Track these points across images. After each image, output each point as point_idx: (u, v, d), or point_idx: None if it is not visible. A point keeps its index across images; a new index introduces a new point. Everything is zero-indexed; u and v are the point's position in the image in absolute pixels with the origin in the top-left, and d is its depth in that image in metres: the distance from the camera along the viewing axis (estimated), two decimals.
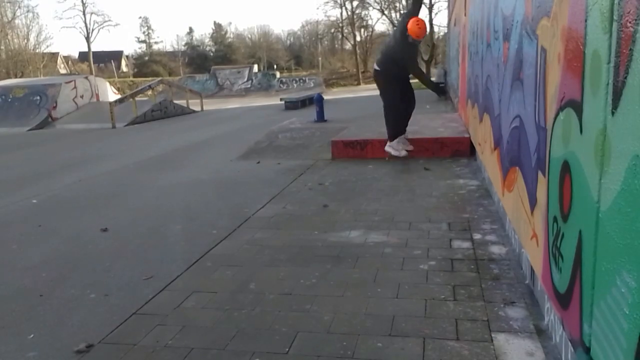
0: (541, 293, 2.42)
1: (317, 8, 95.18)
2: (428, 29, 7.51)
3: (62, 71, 45.85)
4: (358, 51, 41.68)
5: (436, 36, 34.31)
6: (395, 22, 38.54)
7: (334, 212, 4.43)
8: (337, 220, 4.19)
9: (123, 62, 62.31)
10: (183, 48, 61.20)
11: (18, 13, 39.07)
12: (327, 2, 45.33)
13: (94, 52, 46.96)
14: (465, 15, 7.74)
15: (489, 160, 4.53)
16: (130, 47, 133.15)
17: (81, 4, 46.06)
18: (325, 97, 14.77)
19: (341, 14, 42.49)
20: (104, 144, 11.52)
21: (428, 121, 8.59)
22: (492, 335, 2.27)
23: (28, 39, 39.68)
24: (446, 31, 20.32)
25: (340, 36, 46.92)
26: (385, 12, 38.60)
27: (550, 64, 2.17)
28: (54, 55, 46.29)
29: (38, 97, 17.60)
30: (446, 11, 20.07)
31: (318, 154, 7.56)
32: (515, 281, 2.81)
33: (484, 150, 4.97)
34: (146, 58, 58.13)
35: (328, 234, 3.85)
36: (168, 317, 2.65)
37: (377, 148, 6.87)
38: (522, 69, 2.83)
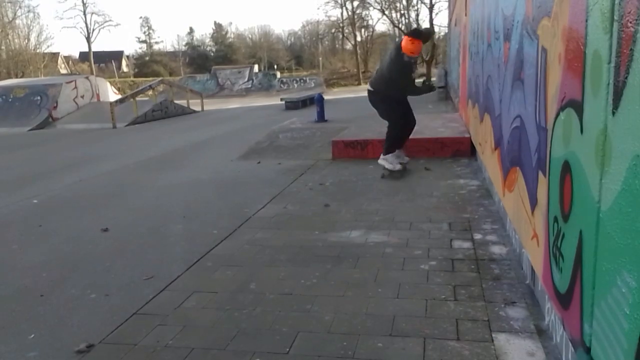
0: (542, 293, 2.42)
1: (318, 8, 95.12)
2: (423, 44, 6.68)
3: (63, 71, 45.89)
4: (359, 51, 41.69)
5: (437, 36, 34.28)
6: (396, 22, 38.59)
7: (334, 212, 4.43)
8: (338, 220, 4.19)
9: (124, 62, 62.35)
10: (184, 48, 61.25)
11: (19, 13, 39.15)
12: (328, 2, 45.34)
13: (94, 52, 46.99)
14: (465, 15, 7.74)
15: (489, 160, 4.53)
16: (131, 47, 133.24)
17: (82, 4, 46.12)
18: (326, 97, 14.78)
19: (342, 14, 42.47)
20: (105, 144, 11.52)
21: (428, 121, 8.59)
22: (493, 335, 2.27)
23: (29, 39, 39.74)
24: (447, 31, 20.32)
25: (340, 36, 46.99)
26: (386, 12, 38.58)
27: (550, 64, 2.17)
28: (55, 55, 46.31)
29: (39, 97, 17.62)
30: (447, 11, 20.07)
31: (318, 154, 7.56)
32: (515, 281, 2.81)
33: (484, 150, 4.97)
34: (147, 58, 58.17)
35: (328, 234, 3.85)
36: (168, 317, 2.65)
37: (377, 148, 6.86)
38: (522, 69, 2.83)
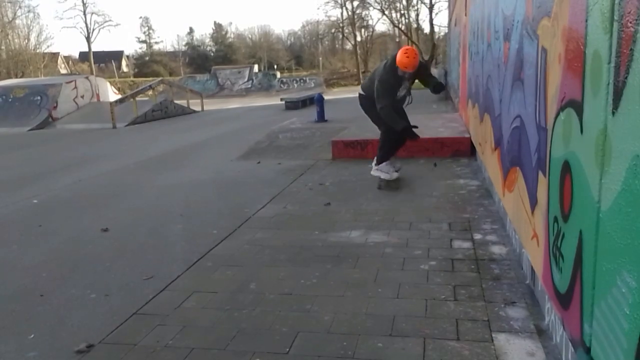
0: (542, 293, 2.42)
1: (318, 8, 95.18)
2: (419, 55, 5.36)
3: (63, 71, 45.88)
4: (359, 51, 41.72)
5: (437, 36, 34.33)
6: (396, 22, 38.61)
7: (334, 212, 4.43)
8: (338, 220, 4.19)
9: (123, 62, 62.36)
10: (183, 48, 61.30)
11: (19, 13, 39.16)
12: (328, 2, 45.39)
13: (94, 52, 47.00)
14: (465, 15, 7.74)
15: (489, 160, 4.53)
16: (131, 47, 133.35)
17: (82, 4, 46.15)
18: (326, 97, 14.78)
19: (342, 14, 42.51)
20: (105, 144, 11.52)
21: (428, 121, 8.59)
22: (493, 335, 2.27)
23: (29, 39, 39.76)
24: (447, 31, 20.32)
25: (340, 36, 46.99)
26: (386, 12, 38.64)
27: (550, 64, 2.17)
28: (55, 55, 46.33)
29: (38, 97, 17.60)
30: (447, 11, 20.07)
31: (318, 154, 7.56)
32: (515, 281, 2.81)
33: (484, 150, 4.97)
34: (147, 58, 58.20)
35: (328, 234, 3.85)
36: (168, 317, 2.65)
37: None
38: (522, 69, 2.83)
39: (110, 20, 66.20)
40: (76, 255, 3.78)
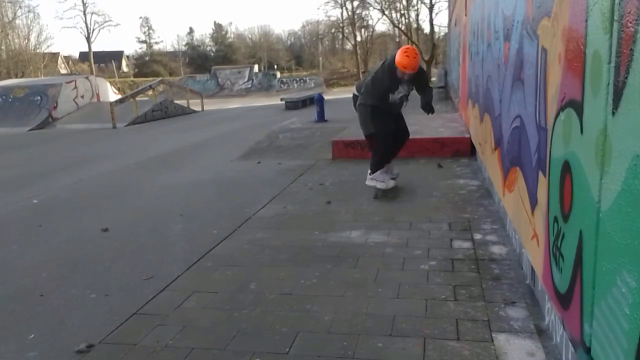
0: (542, 293, 2.42)
1: (318, 8, 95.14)
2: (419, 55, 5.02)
3: (63, 71, 45.88)
4: (359, 51, 41.73)
5: (437, 36, 34.33)
6: (396, 22, 38.59)
7: (334, 212, 4.43)
8: (338, 220, 4.19)
9: (123, 62, 62.36)
10: (183, 48, 61.29)
11: (19, 13, 39.15)
12: (328, 2, 45.39)
13: (94, 52, 46.99)
14: (465, 15, 7.74)
15: (489, 160, 4.53)
16: (131, 47, 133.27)
17: (82, 4, 46.12)
18: (326, 97, 14.78)
19: (342, 14, 42.52)
20: (105, 144, 11.52)
21: (428, 121, 8.58)
22: (493, 335, 2.27)
23: (29, 39, 39.75)
24: (447, 31, 20.32)
25: (340, 36, 47.01)
26: (386, 12, 38.60)
27: (550, 64, 2.17)
28: (55, 56, 46.32)
29: (39, 97, 17.61)
30: (447, 11, 20.08)
31: (318, 154, 7.56)
32: (515, 281, 2.81)
33: (484, 151, 4.97)
34: (147, 58, 58.20)
35: (328, 234, 3.85)
36: (168, 317, 2.65)
37: None
38: (522, 69, 2.83)
39: (110, 21, 66.25)
40: (76, 255, 3.78)
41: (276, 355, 2.23)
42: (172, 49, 62.11)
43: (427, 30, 36.60)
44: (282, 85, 33.55)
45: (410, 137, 6.79)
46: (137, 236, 4.16)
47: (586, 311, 1.64)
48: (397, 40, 41.59)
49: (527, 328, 2.32)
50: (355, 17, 40.98)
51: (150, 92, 19.53)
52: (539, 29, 2.39)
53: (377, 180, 4.93)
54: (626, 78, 1.30)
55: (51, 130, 15.94)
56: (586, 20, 1.65)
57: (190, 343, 2.37)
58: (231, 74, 34.82)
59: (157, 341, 2.40)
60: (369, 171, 5.00)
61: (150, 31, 62.02)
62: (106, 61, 53.29)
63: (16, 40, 38.60)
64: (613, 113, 1.40)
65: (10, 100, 17.86)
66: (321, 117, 11.67)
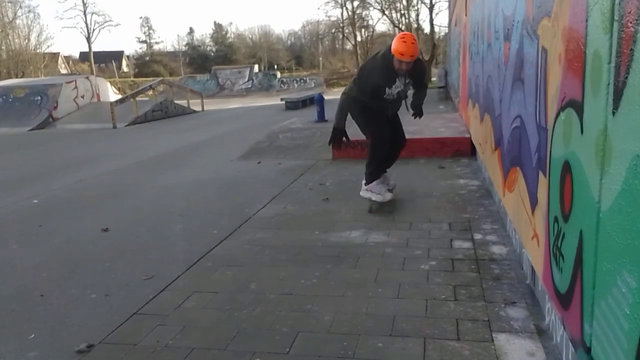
0: (542, 293, 2.42)
1: (318, 8, 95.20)
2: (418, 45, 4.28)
3: (63, 71, 45.89)
4: (359, 51, 41.73)
5: (437, 36, 34.33)
6: (396, 22, 38.57)
7: (334, 212, 4.43)
8: (338, 220, 4.19)
9: (124, 62, 62.39)
10: (184, 48, 61.34)
11: (19, 13, 39.21)
12: (328, 2, 45.40)
13: (94, 52, 47.03)
14: (466, 15, 7.74)
15: (489, 160, 4.53)
16: (131, 47, 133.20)
17: (82, 4, 46.18)
18: (326, 97, 14.76)
19: (342, 14, 42.55)
20: (105, 144, 11.52)
21: (428, 121, 8.58)
22: (493, 335, 2.27)
23: (29, 39, 39.78)
24: (447, 31, 20.32)
25: (341, 36, 47.02)
26: (386, 12, 38.64)
27: (551, 64, 2.17)
28: (55, 56, 46.34)
29: (39, 97, 17.60)
30: (447, 11, 20.08)
31: (319, 154, 7.56)
32: (516, 281, 2.81)
33: (484, 151, 4.97)
34: (147, 58, 58.24)
35: (328, 234, 3.85)
36: (169, 317, 2.65)
37: None
38: (522, 69, 2.83)
39: (110, 21, 66.08)
40: (76, 255, 3.78)
41: (276, 355, 2.23)
42: (172, 49, 62.25)
43: (427, 30, 36.62)
44: (282, 85, 33.52)
45: (411, 137, 6.80)
46: (137, 236, 4.16)
47: (586, 311, 1.64)
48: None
49: (527, 328, 2.32)
50: (356, 17, 41.03)
51: (150, 92, 19.53)
52: (539, 29, 2.39)
53: (372, 192, 4.40)
54: (626, 78, 1.30)
55: (51, 130, 15.93)
56: (586, 20, 1.65)
57: (191, 343, 2.37)
58: (231, 74, 34.80)
59: (157, 341, 2.40)
60: (364, 182, 4.52)
61: (151, 31, 62.17)
62: (106, 61, 53.32)
63: (16, 40, 38.65)
64: (613, 113, 1.40)
65: (10, 100, 17.85)
66: (321, 117, 11.66)
